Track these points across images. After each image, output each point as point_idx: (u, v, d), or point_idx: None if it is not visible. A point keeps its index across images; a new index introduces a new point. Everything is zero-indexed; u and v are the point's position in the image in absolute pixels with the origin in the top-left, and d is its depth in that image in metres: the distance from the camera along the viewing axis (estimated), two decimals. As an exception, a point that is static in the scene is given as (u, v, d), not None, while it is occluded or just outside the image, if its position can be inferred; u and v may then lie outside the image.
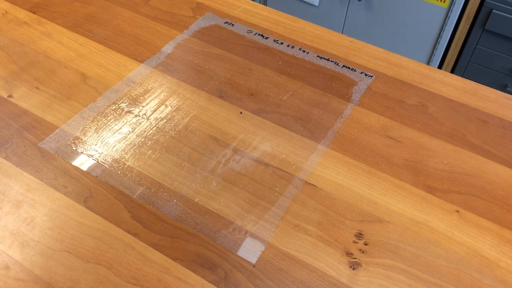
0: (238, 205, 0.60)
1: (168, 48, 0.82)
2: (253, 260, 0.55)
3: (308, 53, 0.82)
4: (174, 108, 0.72)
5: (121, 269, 0.54)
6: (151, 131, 0.68)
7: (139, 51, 0.81)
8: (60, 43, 0.82)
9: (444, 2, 1.43)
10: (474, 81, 0.79)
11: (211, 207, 0.60)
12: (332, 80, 0.78)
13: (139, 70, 0.77)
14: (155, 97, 0.73)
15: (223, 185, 0.62)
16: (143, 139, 0.67)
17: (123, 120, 0.70)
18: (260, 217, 0.59)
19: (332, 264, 0.55)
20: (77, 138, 0.67)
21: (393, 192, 0.63)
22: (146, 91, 0.74)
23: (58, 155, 0.64)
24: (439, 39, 1.52)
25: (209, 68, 0.79)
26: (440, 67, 1.61)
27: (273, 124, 0.70)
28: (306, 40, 0.85)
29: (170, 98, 0.73)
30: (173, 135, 0.68)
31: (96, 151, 0.65)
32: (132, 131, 0.68)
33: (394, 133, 0.70)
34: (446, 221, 0.60)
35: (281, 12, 0.90)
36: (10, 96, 0.72)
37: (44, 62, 0.78)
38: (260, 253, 0.56)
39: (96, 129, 0.68)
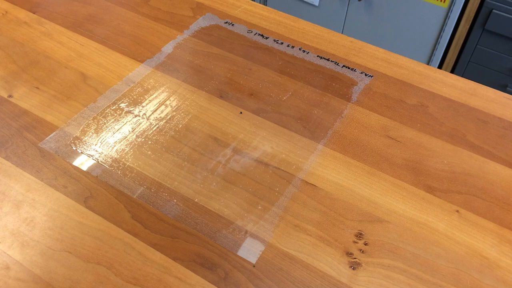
0: (238, 205, 0.60)
1: (168, 48, 0.82)
2: (253, 260, 0.55)
3: (308, 53, 0.82)
4: (174, 108, 0.72)
5: (121, 269, 0.54)
6: (151, 131, 0.68)
7: (139, 51, 0.81)
8: (60, 43, 0.82)
9: (444, 2, 1.43)
10: (474, 81, 0.79)
11: (211, 207, 0.60)
12: (332, 80, 0.78)
13: (139, 70, 0.77)
14: (155, 97, 0.73)
15: (223, 185, 0.62)
16: (143, 139, 0.67)
17: (123, 120, 0.70)
18: (260, 217, 0.59)
19: (332, 264, 0.55)
20: (77, 138, 0.67)
21: (393, 192, 0.63)
22: (146, 91, 0.74)
23: (58, 155, 0.64)
24: (439, 39, 1.52)
25: (209, 68, 0.79)
26: (440, 67, 1.61)
27: (273, 124, 0.70)
28: (306, 40, 0.85)
29: (170, 98, 0.73)
30: (173, 135, 0.68)
31: (96, 151, 0.65)
32: (132, 131, 0.68)
33: (394, 133, 0.70)
34: (446, 221, 0.60)
35: (281, 12, 0.90)
36: (10, 96, 0.72)
37: (44, 62, 0.78)
38: (260, 253, 0.56)
39: (96, 129, 0.68)
